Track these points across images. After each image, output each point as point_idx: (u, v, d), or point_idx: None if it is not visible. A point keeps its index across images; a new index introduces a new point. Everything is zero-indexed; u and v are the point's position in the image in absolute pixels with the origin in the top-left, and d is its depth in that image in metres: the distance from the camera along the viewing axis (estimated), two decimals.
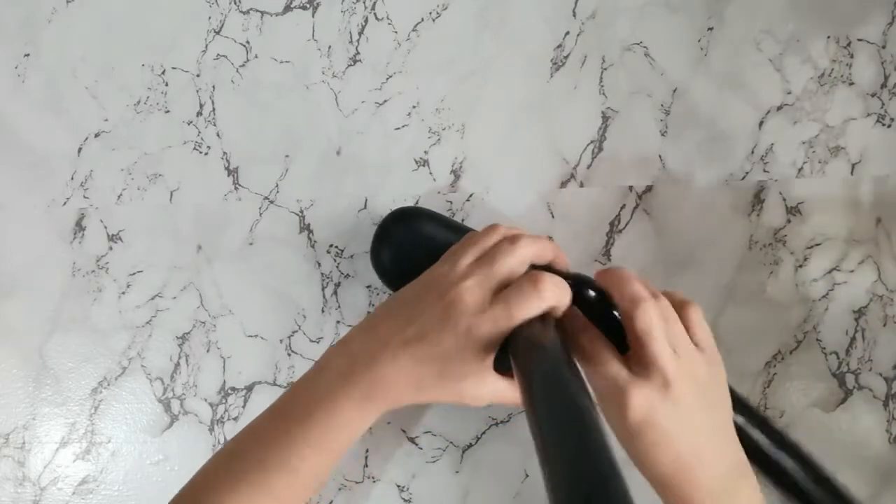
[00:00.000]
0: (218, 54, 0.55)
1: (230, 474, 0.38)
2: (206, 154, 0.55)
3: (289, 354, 0.54)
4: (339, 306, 0.54)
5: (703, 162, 0.55)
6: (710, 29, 0.55)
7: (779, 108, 0.55)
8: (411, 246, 0.47)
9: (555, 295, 0.37)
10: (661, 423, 0.35)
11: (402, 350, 0.37)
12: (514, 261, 0.39)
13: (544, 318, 0.37)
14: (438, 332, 0.37)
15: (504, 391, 0.38)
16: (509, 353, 0.37)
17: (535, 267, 0.40)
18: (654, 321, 0.36)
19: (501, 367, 0.38)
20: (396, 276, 0.48)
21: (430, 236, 0.48)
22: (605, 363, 0.37)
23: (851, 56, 0.55)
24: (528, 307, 0.36)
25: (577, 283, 0.40)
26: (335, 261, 0.54)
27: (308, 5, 0.55)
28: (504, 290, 0.37)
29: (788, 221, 0.55)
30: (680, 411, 0.35)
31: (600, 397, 0.37)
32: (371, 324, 0.40)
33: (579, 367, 0.36)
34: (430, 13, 0.55)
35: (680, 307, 0.39)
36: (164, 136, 0.55)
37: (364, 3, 0.55)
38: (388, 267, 0.48)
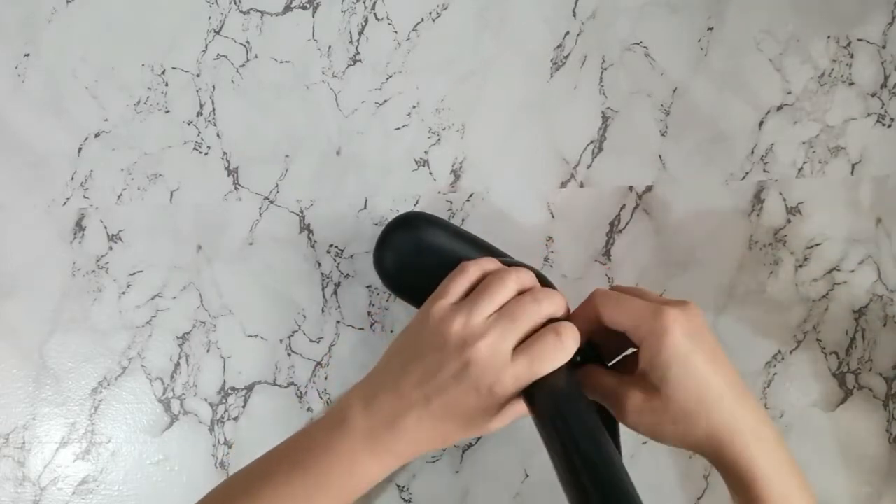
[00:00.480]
0: (218, 54, 0.55)
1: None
2: (206, 154, 0.55)
3: (289, 354, 0.54)
4: (339, 306, 0.54)
5: (703, 162, 0.55)
6: (710, 29, 0.55)
7: (779, 108, 0.55)
8: (414, 252, 0.47)
9: (577, 344, 0.38)
10: (699, 344, 0.37)
11: (425, 409, 0.37)
12: (537, 319, 0.39)
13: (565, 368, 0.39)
14: (462, 391, 0.37)
15: (517, 413, 0.39)
16: (524, 394, 0.38)
17: None
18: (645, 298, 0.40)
19: None
20: (400, 282, 0.48)
21: (433, 242, 0.47)
22: (630, 307, 0.39)
23: (851, 56, 0.55)
24: (553, 362, 0.37)
25: None
26: (335, 261, 0.54)
27: (308, 5, 0.55)
28: (525, 342, 0.38)
29: (788, 221, 0.55)
30: (704, 334, 0.38)
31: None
32: (389, 374, 0.40)
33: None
34: (430, 13, 0.55)
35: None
36: (164, 136, 0.55)
37: (364, 3, 0.55)
38: (392, 273, 0.48)
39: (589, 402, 0.37)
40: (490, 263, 0.42)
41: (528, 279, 0.41)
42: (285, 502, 0.37)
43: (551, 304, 0.39)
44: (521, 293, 0.40)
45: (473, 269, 0.41)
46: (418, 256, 0.47)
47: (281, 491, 0.37)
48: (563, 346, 0.37)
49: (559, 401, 0.36)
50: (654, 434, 0.38)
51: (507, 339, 0.37)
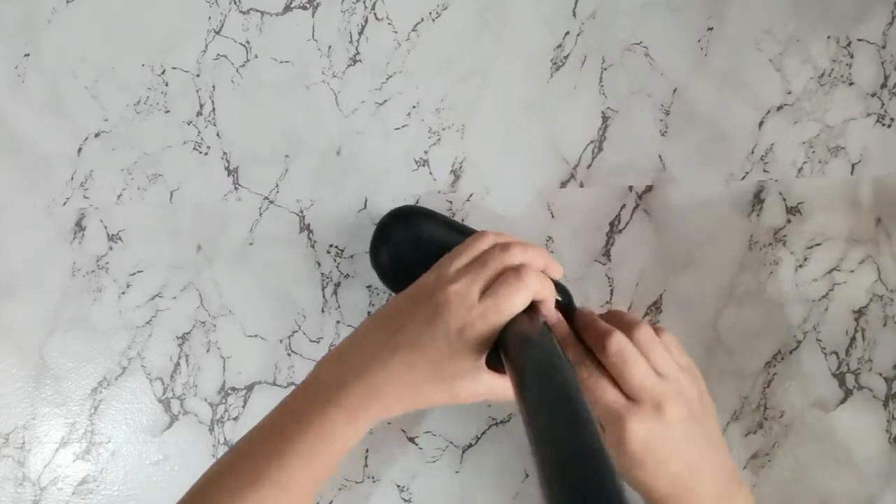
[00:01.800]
0: (218, 54, 0.55)
1: (225, 490, 0.38)
2: (206, 154, 0.55)
3: (289, 354, 0.54)
4: (339, 306, 0.54)
5: (703, 162, 0.55)
6: (710, 29, 0.55)
7: (779, 108, 0.55)
8: (410, 245, 0.47)
9: (538, 282, 0.37)
10: (659, 448, 0.36)
11: (392, 356, 0.37)
12: (505, 264, 0.39)
13: (532, 315, 0.38)
14: (430, 335, 0.37)
15: (498, 387, 0.39)
16: (500, 349, 0.37)
17: None
18: (628, 349, 0.37)
19: (494, 364, 0.38)
20: (395, 276, 0.48)
21: (429, 235, 0.48)
22: (601, 390, 0.37)
23: (851, 56, 0.55)
24: (516, 297, 0.37)
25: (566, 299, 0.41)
26: (335, 261, 0.54)
27: (308, 5, 0.55)
28: (490, 287, 0.38)
29: (788, 221, 0.55)
30: (674, 432, 0.36)
31: None
32: (360, 334, 0.40)
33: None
34: (430, 13, 0.55)
35: (655, 333, 0.40)
36: (164, 136, 0.55)
37: (364, 3, 0.55)
38: (388, 266, 0.48)
39: (562, 356, 0.34)
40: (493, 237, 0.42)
41: (506, 237, 0.41)
42: (262, 468, 0.37)
43: (523, 253, 0.39)
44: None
45: (464, 243, 0.42)
46: (414, 249, 0.47)
47: (260, 458, 0.38)
48: (524, 283, 0.37)
49: (524, 344, 0.35)
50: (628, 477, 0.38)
51: (476, 282, 0.37)
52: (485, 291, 0.38)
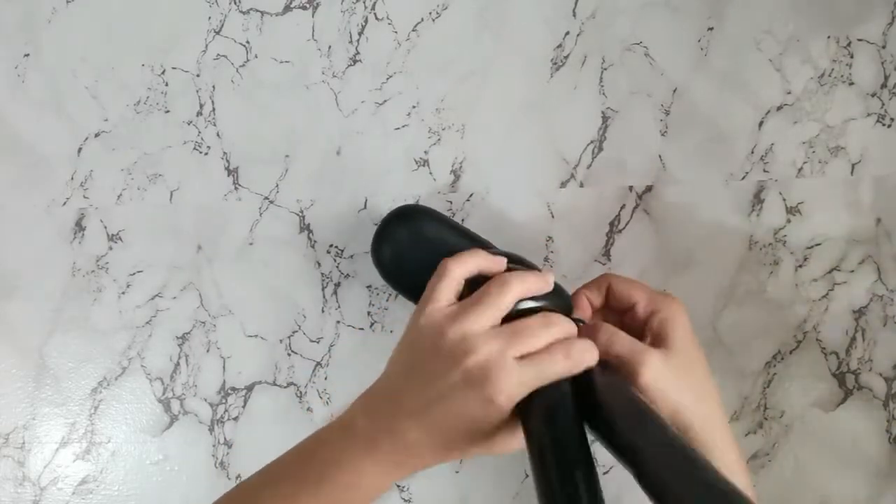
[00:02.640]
0: (218, 54, 0.55)
1: None
2: (206, 154, 0.55)
3: (289, 354, 0.54)
4: (339, 306, 0.54)
5: (703, 162, 0.55)
6: (710, 29, 0.55)
7: (779, 108, 0.55)
8: (412, 245, 0.47)
9: (586, 359, 0.38)
10: (672, 380, 0.40)
11: (426, 416, 0.37)
12: (545, 341, 0.38)
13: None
14: (463, 398, 0.36)
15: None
16: (517, 407, 0.37)
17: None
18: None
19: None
20: (397, 275, 0.48)
21: (431, 235, 0.48)
22: (618, 335, 0.41)
23: (851, 56, 0.55)
24: (558, 372, 0.37)
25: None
26: (335, 261, 0.54)
27: (308, 5, 0.55)
28: (531, 354, 0.37)
29: (788, 221, 0.55)
30: (685, 368, 0.41)
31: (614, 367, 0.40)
32: (394, 379, 0.40)
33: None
34: (430, 13, 0.55)
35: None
36: (164, 136, 0.55)
37: (364, 3, 0.55)
38: (389, 265, 0.48)
39: (577, 416, 0.36)
40: (473, 257, 0.41)
41: (534, 285, 0.41)
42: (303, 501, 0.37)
43: (561, 330, 0.39)
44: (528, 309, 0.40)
45: (458, 271, 0.40)
46: (416, 249, 0.47)
47: (302, 490, 0.38)
48: (570, 361, 0.37)
49: (554, 411, 0.36)
50: (665, 393, 0.39)
51: (512, 348, 0.37)
52: (522, 357, 0.37)
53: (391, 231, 0.48)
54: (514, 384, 0.36)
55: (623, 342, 0.40)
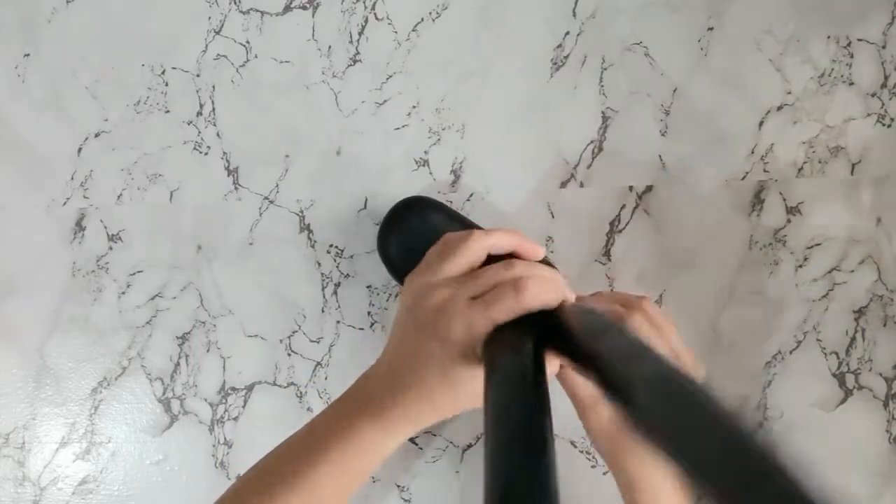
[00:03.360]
0: (218, 54, 0.55)
1: (259, 492, 0.39)
2: (206, 154, 0.55)
3: (289, 354, 0.54)
4: (339, 306, 0.54)
5: (703, 162, 0.55)
6: (710, 29, 0.55)
7: (779, 108, 0.55)
8: (418, 234, 0.47)
9: (542, 296, 0.36)
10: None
11: (402, 364, 0.38)
12: (501, 278, 0.38)
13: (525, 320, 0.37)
14: (424, 338, 0.37)
15: None
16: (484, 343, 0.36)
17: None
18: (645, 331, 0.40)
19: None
20: (403, 266, 0.48)
21: (437, 226, 0.48)
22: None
23: (851, 56, 0.55)
24: (508, 310, 0.36)
25: None
26: (335, 261, 0.54)
27: (308, 5, 0.55)
28: (485, 294, 0.37)
29: (788, 221, 0.55)
30: None
31: (583, 404, 0.40)
32: (387, 345, 0.41)
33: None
34: (430, 13, 0.55)
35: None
36: (164, 136, 0.55)
37: (364, 3, 0.55)
38: (394, 255, 0.48)
39: (536, 376, 0.33)
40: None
41: (502, 240, 0.40)
42: (295, 472, 0.38)
43: (524, 270, 0.38)
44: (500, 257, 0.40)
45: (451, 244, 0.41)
46: (422, 240, 0.47)
47: (295, 462, 0.39)
48: (522, 298, 0.36)
49: (505, 350, 0.34)
50: (610, 450, 0.40)
51: (466, 289, 0.37)
52: (475, 298, 0.37)
53: (397, 222, 0.48)
54: (462, 323, 0.36)
55: (581, 385, 0.40)
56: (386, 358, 0.40)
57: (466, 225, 0.49)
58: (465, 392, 0.37)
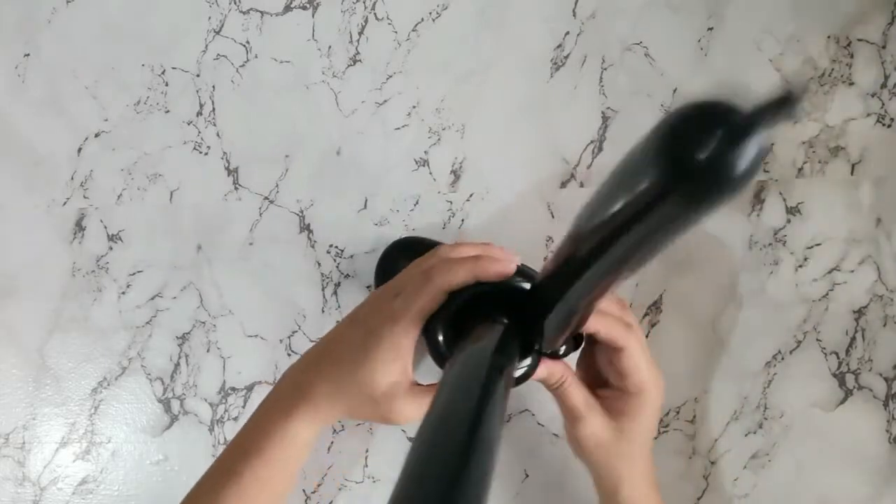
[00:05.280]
0: (218, 54, 0.55)
1: (197, 492, 0.40)
2: (206, 154, 0.55)
3: (289, 354, 0.54)
4: (339, 306, 0.54)
5: None
6: (710, 29, 0.55)
7: None
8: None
9: (448, 281, 0.35)
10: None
11: (324, 355, 0.39)
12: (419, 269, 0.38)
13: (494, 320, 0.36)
14: (347, 327, 0.39)
15: (416, 396, 0.37)
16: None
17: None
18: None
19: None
20: None
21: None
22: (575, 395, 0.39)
23: (851, 56, 0.55)
24: (422, 296, 0.36)
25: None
26: (335, 261, 0.54)
27: (308, 5, 0.55)
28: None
29: (788, 221, 0.55)
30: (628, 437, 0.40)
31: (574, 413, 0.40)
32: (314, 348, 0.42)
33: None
34: (430, 13, 0.55)
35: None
36: (164, 136, 0.55)
37: (364, 3, 0.55)
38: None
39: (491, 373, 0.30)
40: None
41: (461, 276, 0.37)
42: (222, 465, 0.39)
43: (469, 250, 0.38)
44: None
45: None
46: None
47: (223, 456, 0.39)
48: (430, 280, 0.35)
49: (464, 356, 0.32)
50: (599, 459, 0.40)
51: (392, 290, 0.38)
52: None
53: (391, 263, 0.48)
54: (383, 313, 0.36)
55: (576, 395, 0.39)
56: (307, 354, 0.40)
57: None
58: (394, 408, 0.36)
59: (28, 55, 0.55)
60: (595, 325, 0.38)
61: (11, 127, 0.55)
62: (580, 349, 0.41)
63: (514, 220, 0.54)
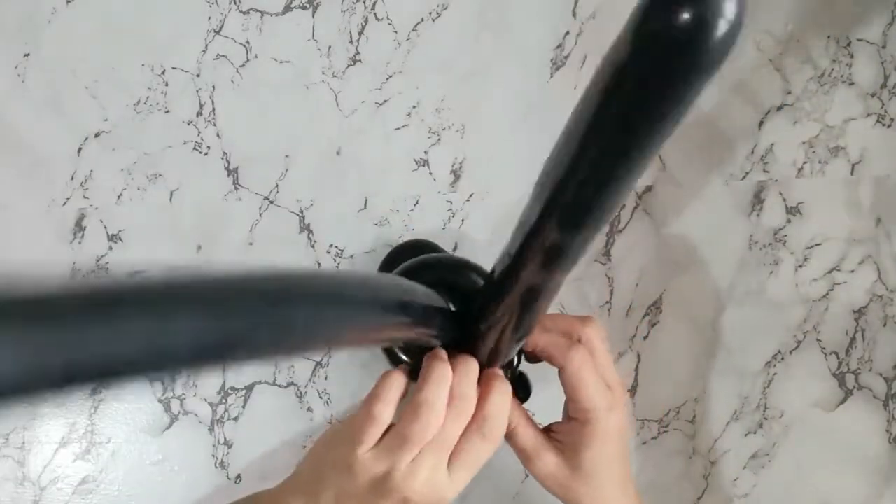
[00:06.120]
0: (218, 54, 0.55)
1: None
2: (206, 154, 0.55)
3: None
4: None
5: (703, 162, 0.55)
6: None
7: (779, 108, 0.55)
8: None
9: (503, 433, 0.36)
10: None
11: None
12: (462, 427, 0.36)
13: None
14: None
15: None
16: None
17: None
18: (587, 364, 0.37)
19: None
20: None
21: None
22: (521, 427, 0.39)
23: (851, 56, 0.55)
24: (487, 457, 0.37)
25: None
26: (335, 261, 0.54)
27: (308, 5, 0.55)
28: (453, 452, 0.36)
29: (788, 221, 0.55)
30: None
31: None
32: None
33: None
34: (430, 13, 0.55)
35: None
36: (164, 136, 0.55)
37: (364, 3, 0.55)
38: None
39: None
40: (394, 391, 0.36)
41: (445, 388, 0.35)
42: None
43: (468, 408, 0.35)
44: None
45: (385, 411, 0.36)
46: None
47: None
48: (491, 443, 0.36)
49: None
50: (562, 494, 0.39)
51: (441, 462, 0.35)
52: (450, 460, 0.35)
53: (395, 268, 0.48)
54: (452, 494, 0.36)
55: (524, 436, 0.38)
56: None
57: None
58: None
59: (28, 55, 0.55)
60: (535, 340, 0.36)
61: (11, 127, 0.55)
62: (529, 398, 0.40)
63: (514, 220, 0.54)
